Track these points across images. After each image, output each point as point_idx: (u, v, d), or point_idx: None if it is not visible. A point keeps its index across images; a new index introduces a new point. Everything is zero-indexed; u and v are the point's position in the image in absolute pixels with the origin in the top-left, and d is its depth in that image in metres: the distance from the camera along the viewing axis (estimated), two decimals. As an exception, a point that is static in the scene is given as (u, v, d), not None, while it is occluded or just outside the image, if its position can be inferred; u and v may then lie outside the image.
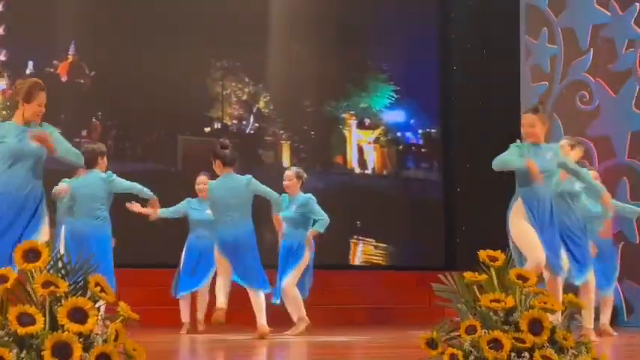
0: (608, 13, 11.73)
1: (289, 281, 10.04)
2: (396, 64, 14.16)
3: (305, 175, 10.64)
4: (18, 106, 7.16)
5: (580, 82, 11.87)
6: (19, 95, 7.13)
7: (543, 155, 7.48)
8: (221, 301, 9.07)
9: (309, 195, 10.31)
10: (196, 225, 10.63)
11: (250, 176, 9.55)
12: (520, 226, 7.44)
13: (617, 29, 11.67)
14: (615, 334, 9.24)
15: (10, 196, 7.00)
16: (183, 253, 10.62)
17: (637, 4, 11.55)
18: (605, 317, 9.32)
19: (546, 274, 7.29)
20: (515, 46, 12.34)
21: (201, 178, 10.61)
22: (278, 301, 10.10)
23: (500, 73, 12.40)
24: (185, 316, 10.66)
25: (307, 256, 10.11)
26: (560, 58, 11.99)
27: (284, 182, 10.41)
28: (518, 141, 7.53)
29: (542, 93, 12.01)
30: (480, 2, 12.63)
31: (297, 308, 9.92)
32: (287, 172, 10.63)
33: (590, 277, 9.06)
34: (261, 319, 9.18)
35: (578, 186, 8.54)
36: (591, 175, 8.61)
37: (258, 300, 9.30)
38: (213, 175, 9.96)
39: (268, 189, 9.59)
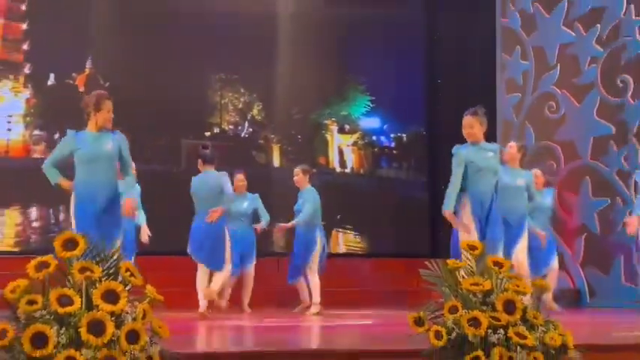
0: (573, 34, 11.76)
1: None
2: (378, 78, 14.00)
3: (313, 170, 10.73)
4: (90, 117, 7.13)
5: (548, 94, 11.89)
6: (89, 107, 7.15)
7: (484, 153, 7.51)
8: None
9: (256, 194, 10.48)
10: (235, 216, 10.33)
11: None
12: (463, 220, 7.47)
13: (581, 48, 11.69)
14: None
15: (91, 194, 7.01)
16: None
17: (598, 25, 11.60)
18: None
19: None
20: (492, 61, 12.32)
21: (239, 176, 10.55)
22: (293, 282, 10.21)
23: (479, 86, 12.31)
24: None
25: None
26: (531, 72, 12.01)
27: (294, 178, 10.37)
28: (457, 145, 7.51)
29: (515, 103, 12.06)
30: (462, 24, 12.53)
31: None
32: (295, 169, 10.53)
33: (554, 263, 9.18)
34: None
35: (519, 181, 8.66)
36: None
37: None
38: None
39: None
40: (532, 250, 9.10)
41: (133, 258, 8.71)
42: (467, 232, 7.27)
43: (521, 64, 12.08)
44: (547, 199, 9.87)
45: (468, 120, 7.59)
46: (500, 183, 7.76)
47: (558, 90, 11.81)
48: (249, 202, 10.53)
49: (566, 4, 11.82)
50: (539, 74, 11.94)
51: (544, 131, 11.82)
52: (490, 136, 9.59)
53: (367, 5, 13.02)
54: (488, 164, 7.52)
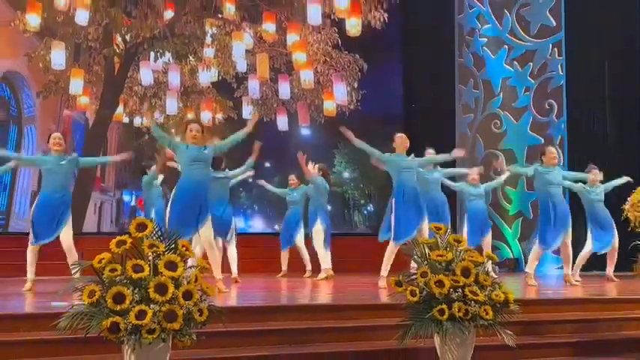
0: (512, 70, 11.80)
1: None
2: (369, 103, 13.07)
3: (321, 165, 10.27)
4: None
5: (494, 114, 11.93)
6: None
7: (406, 158, 7.57)
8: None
9: None
10: (291, 204, 10.15)
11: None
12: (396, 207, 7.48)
13: (518, 80, 11.75)
14: None
15: (192, 188, 6.78)
16: (284, 221, 10.17)
17: (530, 63, 11.64)
18: None
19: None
20: (452, 91, 12.36)
21: (292, 176, 10.24)
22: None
23: (442, 109, 12.36)
24: (284, 264, 10.16)
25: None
26: (481, 99, 12.04)
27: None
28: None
29: (469, 121, 12.08)
30: (430, 63, 12.45)
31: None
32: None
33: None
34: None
35: (437, 174, 8.65)
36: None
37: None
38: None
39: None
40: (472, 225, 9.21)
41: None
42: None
43: (473, 92, 12.11)
44: (481, 190, 9.72)
45: (403, 138, 7.63)
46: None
47: (501, 111, 11.82)
48: None
49: (507, 48, 11.82)
50: (487, 100, 11.97)
51: (490, 142, 11.86)
52: (450, 145, 9.68)
53: (366, 50, 12.70)
54: (411, 165, 7.57)
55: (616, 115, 11.25)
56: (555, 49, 11.51)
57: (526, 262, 11.11)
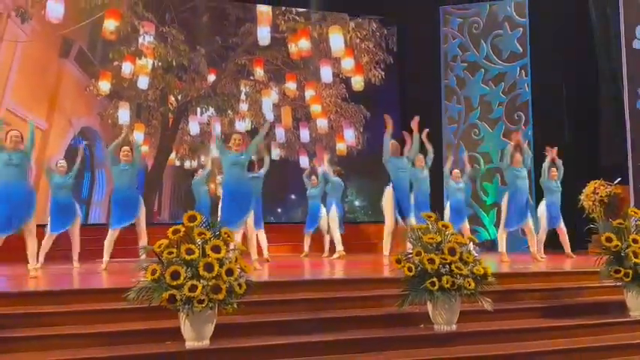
0: (488, 88, 11.73)
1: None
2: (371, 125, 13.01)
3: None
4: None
5: (474, 124, 11.83)
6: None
7: (402, 160, 7.64)
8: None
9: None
10: (310, 198, 9.96)
11: None
12: (388, 199, 7.51)
13: (493, 97, 11.67)
14: None
15: (236, 186, 6.84)
16: (309, 210, 9.97)
17: (502, 83, 11.55)
18: None
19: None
20: (439, 106, 12.25)
21: (313, 177, 10.11)
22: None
23: (432, 120, 12.27)
24: (307, 246, 9.99)
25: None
26: (463, 112, 11.95)
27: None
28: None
29: (454, 131, 12.00)
30: (420, 85, 12.35)
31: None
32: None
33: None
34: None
35: (425, 173, 8.53)
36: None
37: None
38: None
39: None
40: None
41: None
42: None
43: (456, 107, 12.01)
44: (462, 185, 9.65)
45: (395, 145, 7.67)
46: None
47: (479, 122, 11.75)
48: None
49: (483, 71, 11.75)
50: (467, 113, 11.88)
51: (470, 147, 11.76)
52: (438, 150, 9.66)
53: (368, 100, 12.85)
54: (406, 166, 7.64)
55: (571, 122, 11.23)
56: (522, 71, 11.44)
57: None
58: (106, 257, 7.23)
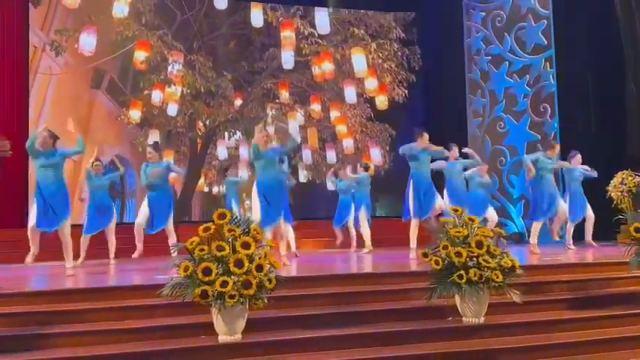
0: (512, 81, 11.60)
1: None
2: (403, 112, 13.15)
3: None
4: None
5: (499, 118, 11.72)
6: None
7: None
8: None
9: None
10: (340, 193, 9.90)
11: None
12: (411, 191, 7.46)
13: (517, 89, 11.54)
14: None
15: (267, 182, 6.84)
16: (339, 205, 9.85)
17: (527, 75, 11.42)
18: None
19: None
20: (464, 100, 12.17)
21: (341, 171, 10.10)
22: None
23: (455, 114, 12.22)
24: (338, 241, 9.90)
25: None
26: (487, 105, 11.84)
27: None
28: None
29: (478, 124, 11.91)
30: (445, 78, 12.39)
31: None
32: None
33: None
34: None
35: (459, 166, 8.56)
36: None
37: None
38: None
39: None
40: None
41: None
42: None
43: (481, 100, 11.91)
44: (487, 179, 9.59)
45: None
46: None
47: (504, 115, 11.64)
48: None
49: (507, 63, 11.63)
50: (492, 106, 11.77)
51: (496, 140, 11.66)
52: (463, 144, 9.62)
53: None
54: (426, 158, 7.52)
55: (598, 113, 11.05)
56: (547, 63, 11.27)
57: (528, 235, 11.03)
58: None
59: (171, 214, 7.55)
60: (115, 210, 8.35)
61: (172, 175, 7.70)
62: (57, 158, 6.32)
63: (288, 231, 8.81)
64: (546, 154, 8.02)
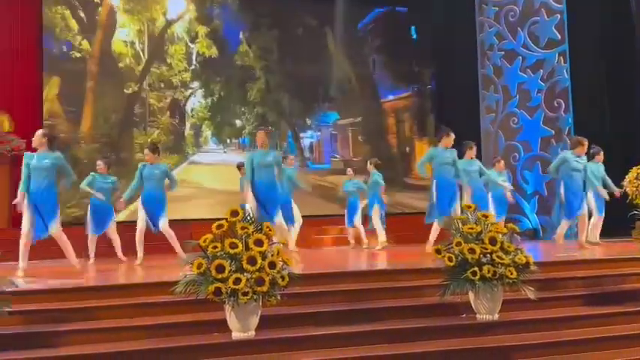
0: (526, 76, 11.50)
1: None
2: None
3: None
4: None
5: (512, 113, 11.62)
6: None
7: (448, 155, 7.40)
8: None
9: None
10: (348, 194, 10.00)
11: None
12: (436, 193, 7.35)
13: (531, 84, 11.44)
14: None
15: (261, 186, 6.82)
16: (347, 208, 9.98)
17: (541, 70, 11.32)
18: None
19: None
20: (476, 96, 12.11)
21: (349, 169, 10.33)
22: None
23: (468, 110, 12.14)
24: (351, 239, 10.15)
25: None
26: (500, 101, 11.75)
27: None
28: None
29: (491, 120, 11.82)
30: (458, 74, 12.34)
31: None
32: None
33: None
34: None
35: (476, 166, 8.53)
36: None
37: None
38: None
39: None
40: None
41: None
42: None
43: (494, 96, 11.81)
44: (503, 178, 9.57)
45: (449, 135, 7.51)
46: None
47: (518, 110, 11.54)
48: None
49: (521, 58, 11.54)
50: (505, 101, 11.67)
51: (509, 135, 11.56)
52: (476, 140, 9.54)
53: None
54: (450, 160, 7.38)
55: (613, 108, 10.94)
56: (561, 58, 11.17)
57: (543, 231, 10.98)
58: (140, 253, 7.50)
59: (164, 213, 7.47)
60: (114, 211, 8.28)
61: (166, 181, 7.62)
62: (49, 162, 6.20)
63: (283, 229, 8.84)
64: (575, 152, 7.91)
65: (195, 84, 12.31)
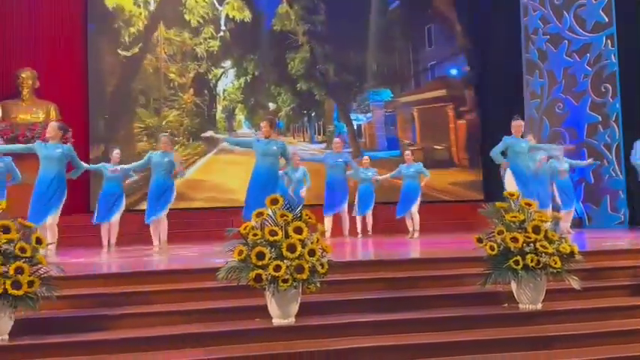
0: (572, 60, 11.22)
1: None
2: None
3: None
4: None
5: (558, 99, 11.38)
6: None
7: (520, 143, 7.23)
8: None
9: None
10: (360, 182, 9.56)
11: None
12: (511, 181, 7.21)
13: (577, 69, 11.17)
14: None
15: (262, 174, 6.74)
16: (357, 194, 9.55)
17: (588, 54, 11.03)
18: None
19: None
20: (520, 81, 11.87)
21: (366, 157, 9.94)
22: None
23: (512, 96, 11.91)
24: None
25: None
26: (545, 86, 11.51)
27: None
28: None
29: (536, 106, 11.59)
30: (503, 59, 12.12)
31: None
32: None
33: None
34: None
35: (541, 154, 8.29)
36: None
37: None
38: None
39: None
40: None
41: None
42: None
43: (539, 81, 11.57)
44: (564, 165, 9.31)
45: (517, 122, 7.36)
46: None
47: (563, 95, 11.28)
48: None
49: (567, 42, 11.25)
50: (550, 87, 11.42)
51: (555, 122, 11.32)
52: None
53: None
54: (526, 148, 7.25)
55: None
56: (609, 41, 10.85)
57: (589, 219, 10.74)
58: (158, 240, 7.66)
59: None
60: (124, 199, 8.38)
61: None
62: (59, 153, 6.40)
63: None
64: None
65: (227, 62, 11.09)
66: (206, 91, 11.07)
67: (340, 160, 9.07)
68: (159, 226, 7.60)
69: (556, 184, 9.08)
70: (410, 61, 12.53)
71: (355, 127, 11.95)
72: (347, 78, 11.72)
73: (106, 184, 8.28)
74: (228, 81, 11.24)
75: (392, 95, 12.36)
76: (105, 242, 8.20)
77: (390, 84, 12.39)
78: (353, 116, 11.97)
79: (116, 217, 8.27)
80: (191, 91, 10.86)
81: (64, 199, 6.45)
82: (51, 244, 5.74)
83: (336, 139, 9.64)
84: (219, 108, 11.21)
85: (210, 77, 11.11)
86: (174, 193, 7.66)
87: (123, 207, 8.33)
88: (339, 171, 9.05)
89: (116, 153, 8.42)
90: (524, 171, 7.24)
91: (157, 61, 10.73)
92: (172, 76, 10.74)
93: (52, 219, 6.32)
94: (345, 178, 9.13)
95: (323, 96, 11.55)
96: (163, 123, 10.48)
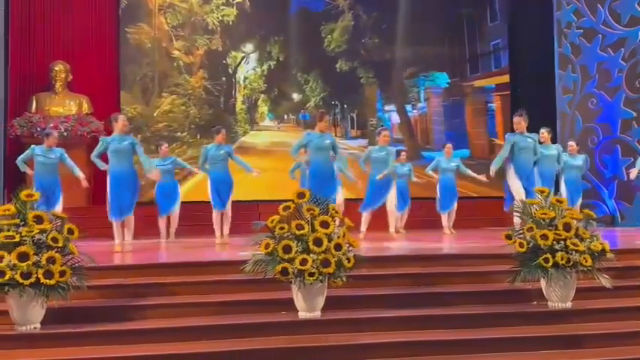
0: (606, 55, 10.99)
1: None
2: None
3: None
4: None
5: (591, 94, 11.14)
6: None
7: (526, 139, 7.03)
8: None
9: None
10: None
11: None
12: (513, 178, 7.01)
13: (612, 64, 10.93)
14: None
15: (321, 167, 6.85)
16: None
17: (622, 49, 10.79)
18: None
19: None
20: (552, 75, 11.66)
21: (403, 153, 9.56)
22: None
23: (544, 91, 11.73)
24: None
25: None
26: (578, 81, 11.28)
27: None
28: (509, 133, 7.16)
29: (569, 101, 11.39)
30: (537, 53, 11.92)
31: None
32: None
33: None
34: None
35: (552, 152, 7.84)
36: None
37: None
38: None
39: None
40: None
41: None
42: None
43: (571, 76, 11.35)
44: (578, 161, 9.05)
45: (517, 119, 7.12)
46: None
47: (597, 91, 11.06)
48: None
49: (601, 37, 11.02)
50: (584, 82, 11.20)
51: (588, 118, 11.10)
52: (551, 122, 9.18)
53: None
54: (530, 146, 7.03)
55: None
56: (644, 36, 10.67)
57: (621, 217, 10.52)
58: (218, 232, 7.70)
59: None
60: (179, 191, 8.47)
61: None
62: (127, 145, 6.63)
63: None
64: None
65: (249, 46, 9.17)
66: (223, 77, 9.12)
67: (384, 153, 8.03)
68: (223, 218, 7.61)
69: (564, 179, 8.68)
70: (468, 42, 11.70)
71: (409, 119, 10.36)
72: (400, 55, 9.69)
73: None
74: (249, 67, 9.55)
75: (448, 81, 10.88)
76: (164, 232, 8.34)
77: (451, 67, 11.11)
78: (407, 107, 10.32)
79: (175, 209, 8.41)
80: (200, 72, 9.04)
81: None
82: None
83: (385, 132, 8.35)
84: (240, 98, 9.52)
85: (228, 61, 9.21)
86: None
87: (180, 198, 8.46)
88: (384, 166, 7.99)
89: (165, 147, 8.50)
90: (525, 165, 7.02)
91: (157, 32, 8.76)
92: (176, 53, 8.83)
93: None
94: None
95: (371, 79, 9.69)
96: (155, 114, 8.92)
